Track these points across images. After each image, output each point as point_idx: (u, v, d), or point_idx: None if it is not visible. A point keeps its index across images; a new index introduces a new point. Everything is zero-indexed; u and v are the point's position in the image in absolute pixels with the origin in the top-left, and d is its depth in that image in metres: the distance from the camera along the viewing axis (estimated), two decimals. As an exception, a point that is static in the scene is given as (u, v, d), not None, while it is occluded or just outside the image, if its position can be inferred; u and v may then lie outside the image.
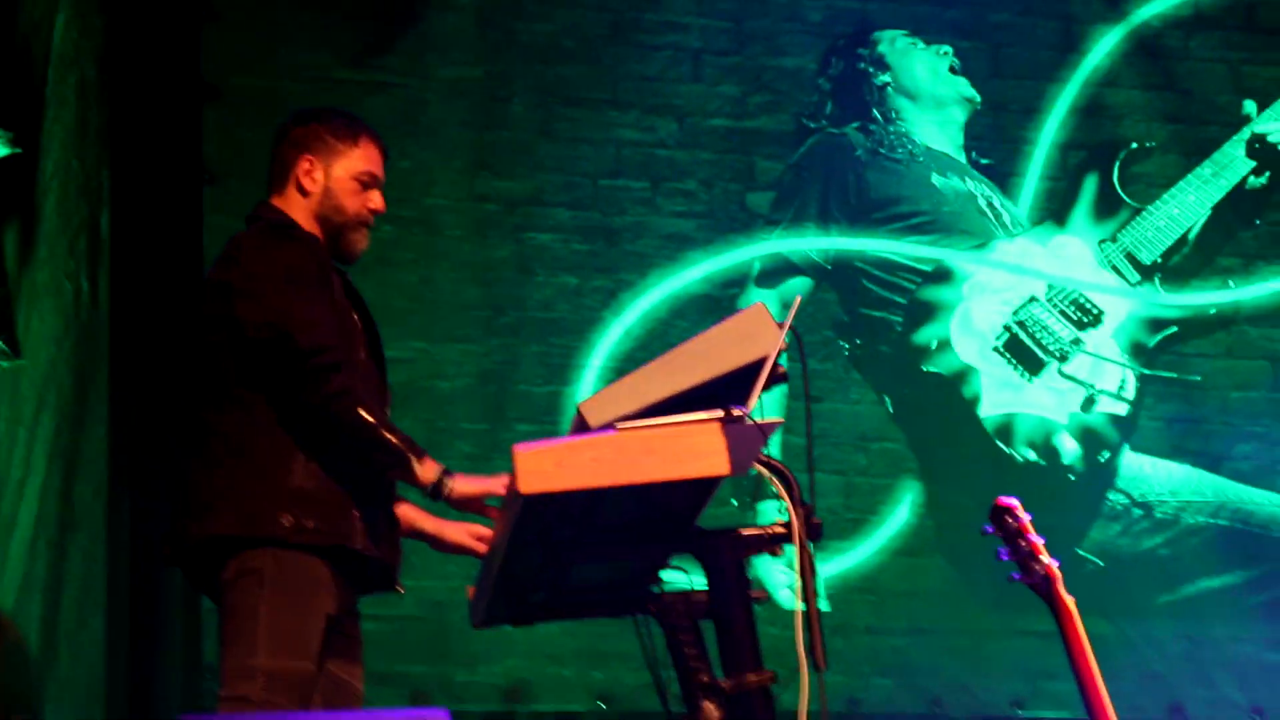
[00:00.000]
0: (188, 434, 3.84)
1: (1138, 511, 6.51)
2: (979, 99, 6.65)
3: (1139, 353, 6.61)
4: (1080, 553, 6.38)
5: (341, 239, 3.92)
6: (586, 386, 6.11)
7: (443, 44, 6.24)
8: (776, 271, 6.42)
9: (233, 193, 5.56)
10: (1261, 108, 6.82)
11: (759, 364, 2.88)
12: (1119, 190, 6.70)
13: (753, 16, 6.52)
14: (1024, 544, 3.60)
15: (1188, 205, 6.73)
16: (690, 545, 3.13)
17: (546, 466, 2.83)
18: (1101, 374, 6.57)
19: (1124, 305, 6.63)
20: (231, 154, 5.84)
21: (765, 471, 3.04)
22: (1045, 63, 6.73)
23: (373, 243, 4.03)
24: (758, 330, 2.90)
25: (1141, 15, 6.79)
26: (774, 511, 5.46)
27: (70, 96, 5.43)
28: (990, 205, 6.61)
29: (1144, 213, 6.70)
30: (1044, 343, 6.54)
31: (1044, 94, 6.70)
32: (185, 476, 3.81)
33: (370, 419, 3.69)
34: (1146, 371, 6.60)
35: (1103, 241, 6.66)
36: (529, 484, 2.83)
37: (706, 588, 3.14)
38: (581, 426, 2.90)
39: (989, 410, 6.47)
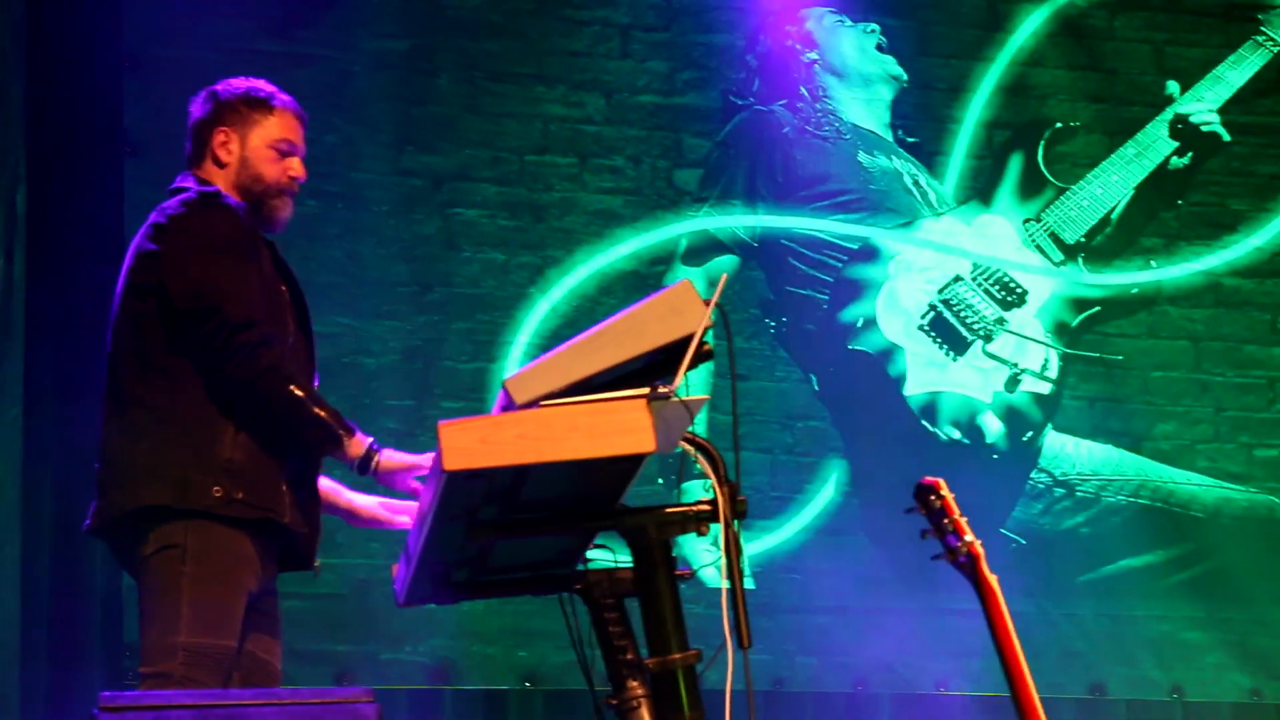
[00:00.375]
0: (111, 406, 3.79)
1: (1059, 491, 6.55)
2: (906, 77, 6.66)
3: (1062, 332, 6.65)
4: (1003, 532, 6.42)
5: (263, 207, 3.89)
6: (513, 363, 6.08)
7: (368, 16, 6.18)
8: (703, 249, 6.41)
9: (155, 165, 5.49)
10: (1184, 89, 6.87)
11: (685, 341, 2.87)
12: (1044, 169, 6.73)
13: (681, -8, 6.51)
14: (948, 523, 3.62)
15: (1111, 185, 6.77)
16: (616, 523, 3.12)
17: (471, 443, 2.80)
18: (1025, 353, 6.60)
19: (1047, 284, 6.67)
20: (154, 126, 5.76)
21: (691, 449, 3.03)
22: (971, 42, 6.75)
23: (298, 217, 4.00)
24: (684, 307, 2.89)
25: (1068, -5, 6.83)
26: (700, 490, 5.46)
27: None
28: (916, 183, 6.63)
29: (1068, 192, 6.73)
30: (969, 321, 6.57)
31: (970, 73, 6.72)
32: (109, 448, 3.77)
33: (300, 393, 3.66)
34: (1069, 351, 6.64)
35: (1027, 221, 6.69)
36: (453, 460, 2.80)
37: (632, 566, 3.13)
38: (507, 403, 2.88)
39: (914, 389, 6.49)
